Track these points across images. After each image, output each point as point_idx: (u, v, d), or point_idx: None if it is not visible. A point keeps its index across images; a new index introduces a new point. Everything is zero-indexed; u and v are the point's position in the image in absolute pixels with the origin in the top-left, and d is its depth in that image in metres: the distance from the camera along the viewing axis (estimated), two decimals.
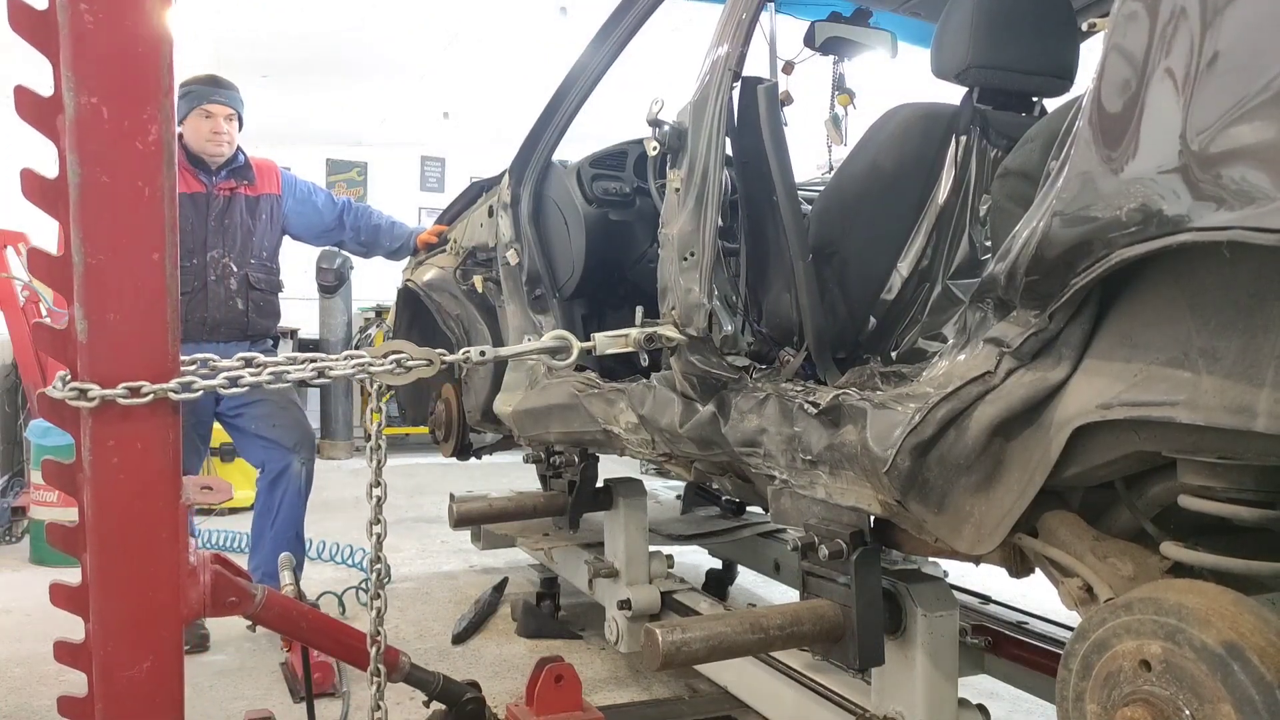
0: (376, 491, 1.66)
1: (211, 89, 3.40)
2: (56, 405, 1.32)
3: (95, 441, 1.34)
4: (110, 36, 1.27)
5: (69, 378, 1.32)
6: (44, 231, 1.41)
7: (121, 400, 1.32)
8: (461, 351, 1.75)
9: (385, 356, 1.61)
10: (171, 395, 1.35)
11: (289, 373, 1.55)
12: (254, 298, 3.49)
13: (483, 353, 1.75)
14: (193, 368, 1.45)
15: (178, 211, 1.38)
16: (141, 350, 1.35)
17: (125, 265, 1.32)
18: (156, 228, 1.34)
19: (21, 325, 5.19)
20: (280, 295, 3.67)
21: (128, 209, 1.31)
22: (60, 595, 1.44)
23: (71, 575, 1.44)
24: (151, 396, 1.33)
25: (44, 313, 5.00)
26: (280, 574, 2.02)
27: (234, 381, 1.51)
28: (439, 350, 1.70)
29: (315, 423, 6.19)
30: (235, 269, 3.43)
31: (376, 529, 1.66)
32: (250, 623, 1.67)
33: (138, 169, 1.31)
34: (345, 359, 1.60)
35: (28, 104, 1.31)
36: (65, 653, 1.44)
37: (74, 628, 1.44)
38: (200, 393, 1.41)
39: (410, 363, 1.63)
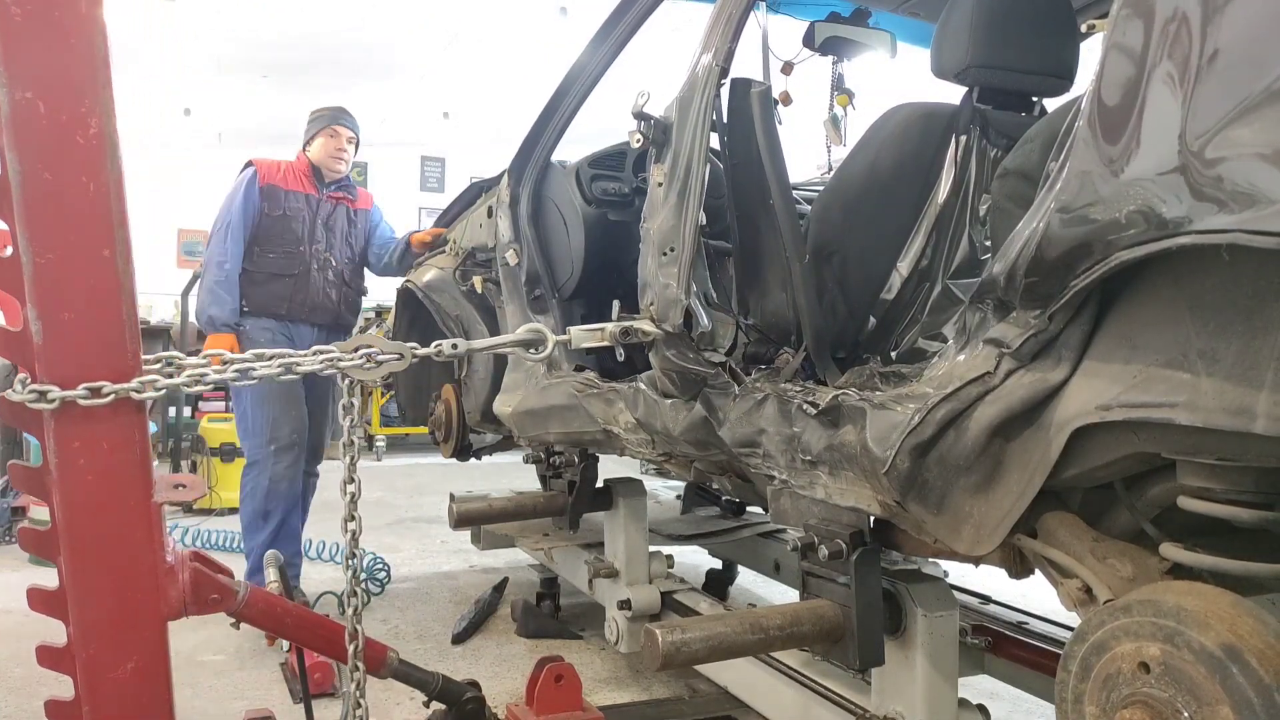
0: (350, 488, 1.64)
1: (340, 113, 3.95)
2: (17, 409, 1.29)
3: (60, 444, 1.32)
4: (40, 30, 1.24)
5: (29, 380, 1.30)
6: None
7: (82, 401, 1.29)
8: (434, 345, 1.74)
9: (355, 351, 1.60)
10: (134, 395, 1.33)
11: (255, 369, 1.53)
12: (345, 293, 3.92)
13: (454, 345, 1.74)
14: (156, 366, 1.43)
15: (126, 206, 1.34)
16: (99, 349, 1.32)
17: (75, 263, 1.29)
18: (105, 223, 1.30)
19: None
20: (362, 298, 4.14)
21: (73, 205, 1.28)
22: (38, 599, 1.42)
23: None
24: (113, 396, 1.30)
25: None
26: (265, 570, 2.00)
27: (199, 379, 1.48)
28: (410, 344, 1.69)
29: None
30: (333, 262, 3.86)
31: (351, 526, 1.65)
32: (233, 620, 1.65)
33: (80, 164, 1.28)
34: (314, 354, 1.59)
35: None
36: (48, 657, 1.42)
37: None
38: (163, 391, 1.39)
39: (381, 357, 1.62)
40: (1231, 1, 0.97)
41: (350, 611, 1.65)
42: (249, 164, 3.84)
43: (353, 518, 1.66)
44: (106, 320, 1.33)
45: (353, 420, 1.62)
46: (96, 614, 1.37)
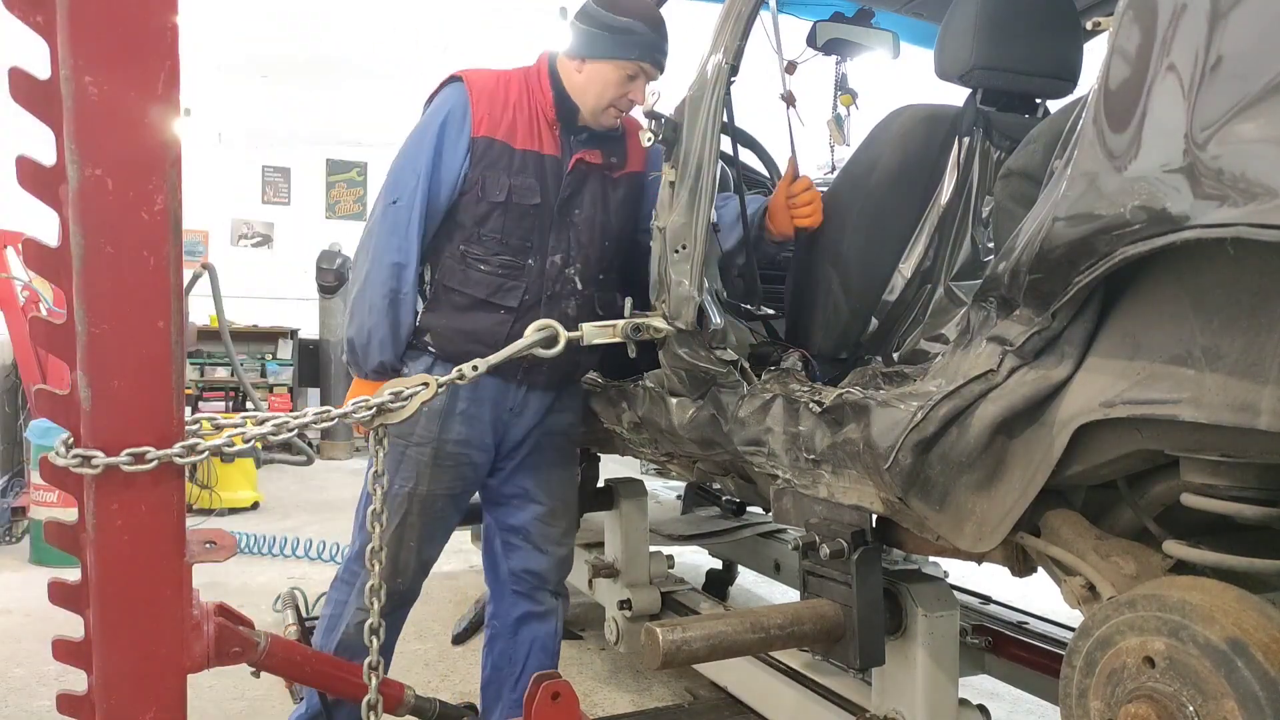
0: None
1: (659, 42, 2.16)
2: (59, 471, 1.31)
3: (99, 506, 1.33)
4: (115, 108, 1.25)
5: (72, 442, 1.31)
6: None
7: (126, 467, 1.31)
8: (455, 370, 1.76)
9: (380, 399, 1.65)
10: (176, 460, 1.34)
11: (289, 424, 1.54)
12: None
13: (475, 367, 1.76)
14: (194, 427, 1.43)
15: (183, 277, 1.36)
16: (145, 415, 1.33)
17: (130, 333, 1.31)
18: (162, 296, 1.32)
19: (22, 325, 5.18)
20: None
21: (133, 279, 1.30)
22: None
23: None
24: (156, 463, 1.32)
25: (44, 312, 5.00)
26: (284, 613, 1.94)
27: (248, 439, 1.48)
28: (434, 377, 1.72)
29: None
30: (580, 285, 2.22)
31: (373, 595, 1.66)
32: (254, 670, 1.65)
33: (143, 239, 1.29)
34: (353, 407, 1.63)
35: (29, 173, 1.29)
36: (67, 704, 1.42)
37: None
38: (205, 455, 1.39)
39: (408, 392, 1.65)
40: None
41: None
42: (453, 78, 2.23)
43: (378, 595, 1.67)
44: (155, 388, 1.34)
45: (382, 489, 1.65)
46: (121, 667, 1.38)
